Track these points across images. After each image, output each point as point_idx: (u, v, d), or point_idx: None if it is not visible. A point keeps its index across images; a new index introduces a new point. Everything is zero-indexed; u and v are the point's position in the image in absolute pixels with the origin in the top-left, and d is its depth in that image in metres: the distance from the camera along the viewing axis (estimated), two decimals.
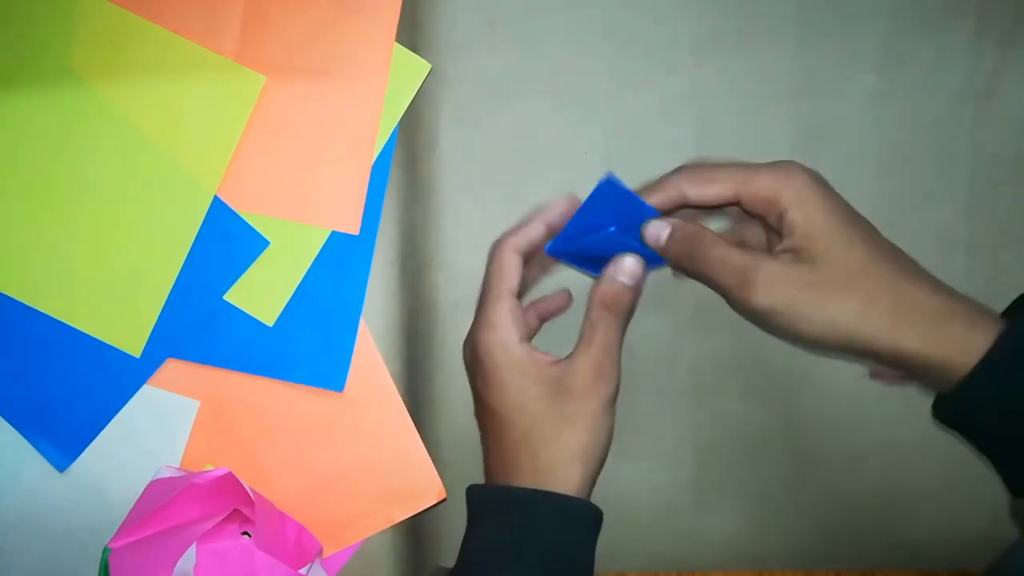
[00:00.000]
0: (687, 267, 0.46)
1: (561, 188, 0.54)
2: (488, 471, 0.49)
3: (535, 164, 0.55)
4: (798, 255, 0.43)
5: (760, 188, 0.43)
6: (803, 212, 0.43)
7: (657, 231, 0.47)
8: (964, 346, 0.40)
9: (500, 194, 0.55)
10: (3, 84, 0.53)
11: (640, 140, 0.55)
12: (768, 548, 0.56)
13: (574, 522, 0.46)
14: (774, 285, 0.42)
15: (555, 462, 0.46)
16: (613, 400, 0.47)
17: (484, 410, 0.48)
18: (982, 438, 0.42)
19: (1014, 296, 0.56)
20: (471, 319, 0.52)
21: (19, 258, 0.53)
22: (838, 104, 0.55)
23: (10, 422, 0.53)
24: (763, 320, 0.44)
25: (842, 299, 0.42)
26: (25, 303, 0.53)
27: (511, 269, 0.48)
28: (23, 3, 0.53)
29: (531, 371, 0.47)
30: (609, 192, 0.48)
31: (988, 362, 0.39)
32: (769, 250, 0.46)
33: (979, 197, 0.55)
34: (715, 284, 0.45)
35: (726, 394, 0.55)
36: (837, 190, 0.53)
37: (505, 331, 0.47)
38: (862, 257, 0.42)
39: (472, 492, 0.49)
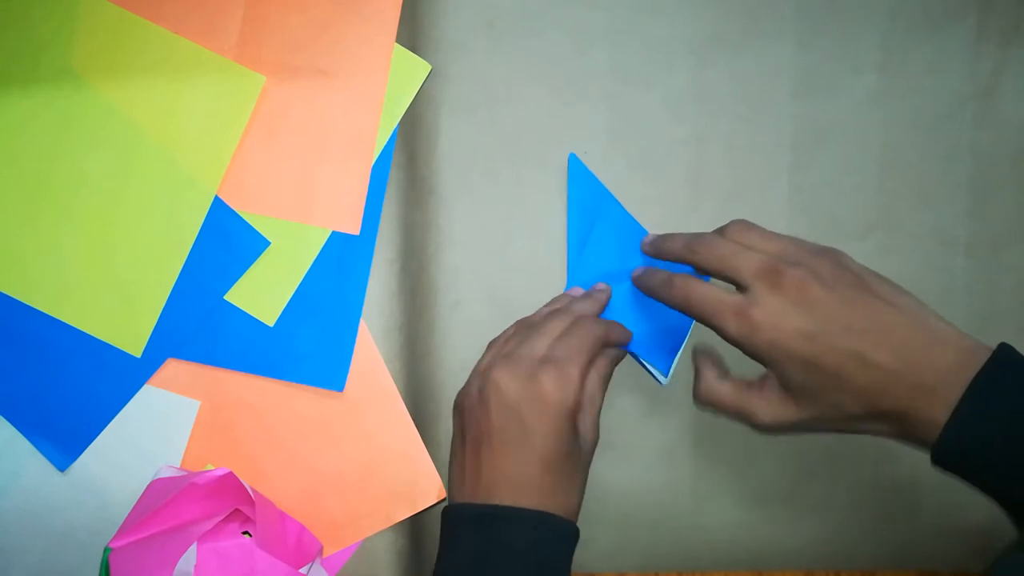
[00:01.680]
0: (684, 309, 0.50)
1: (561, 187, 0.54)
2: (457, 493, 0.49)
3: (535, 164, 0.55)
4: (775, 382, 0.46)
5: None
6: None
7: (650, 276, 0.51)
8: (929, 426, 0.43)
9: (500, 194, 0.55)
10: (3, 83, 0.53)
11: (641, 140, 0.55)
12: (768, 548, 0.56)
13: (553, 539, 0.47)
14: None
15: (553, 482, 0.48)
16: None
17: (514, 434, 0.48)
18: (977, 484, 0.44)
19: (1015, 297, 0.56)
20: (471, 319, 0.53)
21: (20, 258, 0.53)
22: (838, 103, 0.55)
23: (11, 422, 0.53)
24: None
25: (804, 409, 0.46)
26: (26, 303, 0.53)
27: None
28: (23, 3, 0.53)
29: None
30: (581, 179, 0.53)
31: (944, 441, 0.42)
32: None
33: (980, 197, 0.55)
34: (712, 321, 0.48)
35: None
36: (838, 189, 0.53)
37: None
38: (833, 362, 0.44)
39: (450, 511, 0.49)
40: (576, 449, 0.49)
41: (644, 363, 0.54)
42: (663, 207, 0.55)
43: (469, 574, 0.47)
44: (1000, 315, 0.55)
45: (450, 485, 0.50)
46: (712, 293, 0.47)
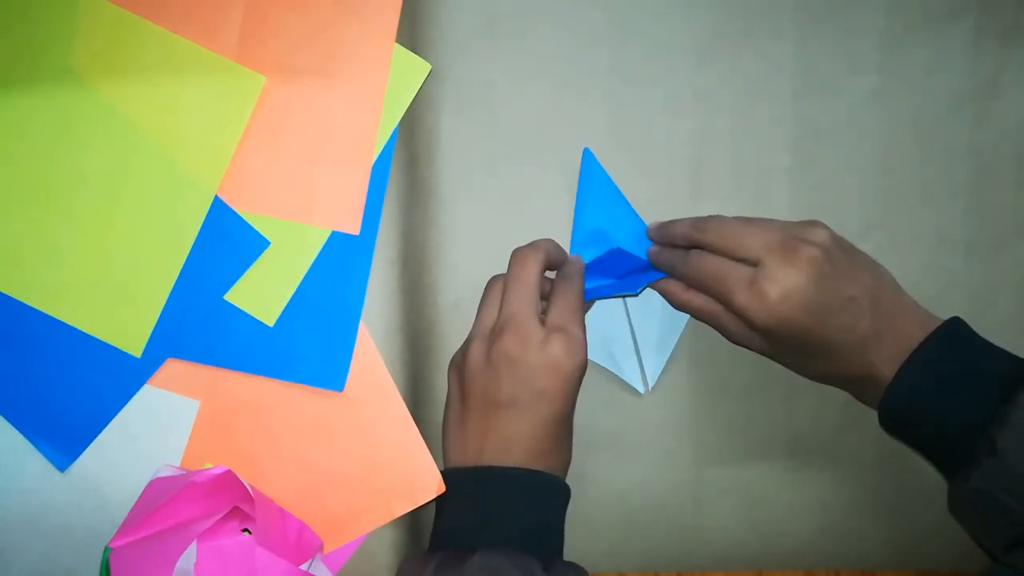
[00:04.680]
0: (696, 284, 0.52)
1: (562, 187, 0.55)
2: (458, 455, 0.50)
3: (535, 164, 0.55)
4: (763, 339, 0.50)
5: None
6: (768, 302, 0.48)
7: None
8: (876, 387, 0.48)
9: (500, 194, 0.55)
10: (3, 83, 0.53)
11: (641, 139, 0.55)
12: (768, 548, 0.56)
13: (550, 497, 0.49)
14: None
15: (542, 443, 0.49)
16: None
17: (493, 401, 0.49)
18: (912, 444, 0.49)
19: (1016, 296, 0.56)
20: (471, 318, 0.52)
21: (20, 258, 0.53)
22: (838, 103, 0.55)
23: (11, 422, 0.53)
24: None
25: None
26: (26, 303, 0.53)
27: (538, 286, 0.51)
28: (23, 3, 0.53)
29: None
30: (593, 172, 0.54)
31: (892, 391, 0.47)
32: None
33: (980, 197, 0.55)
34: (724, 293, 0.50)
35: (726, 394, 0.55)
36: (838, 189, 0.53)
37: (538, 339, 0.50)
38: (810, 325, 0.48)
39: (449, 474, 0.51)
40: (574, 406, 0.51)
41: (624, 374, 0.55)
42: (663, 206, 0.54)
43: (473, 533, 0.48)
44: (1000, 315, 0.55)
45: (449, 447, 0.51)
46: (723, 265, 0.49)
